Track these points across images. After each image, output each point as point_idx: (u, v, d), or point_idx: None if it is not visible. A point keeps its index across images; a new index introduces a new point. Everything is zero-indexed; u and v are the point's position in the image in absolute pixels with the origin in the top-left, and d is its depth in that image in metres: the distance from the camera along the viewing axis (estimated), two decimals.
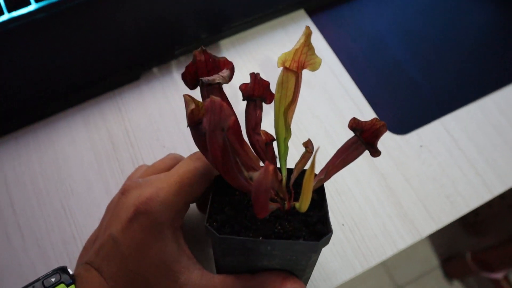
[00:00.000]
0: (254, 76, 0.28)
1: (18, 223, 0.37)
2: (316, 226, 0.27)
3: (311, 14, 0.47)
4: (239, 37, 0.46)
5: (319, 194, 0.29)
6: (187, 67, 0.28)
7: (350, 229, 0.37)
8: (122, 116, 0.42)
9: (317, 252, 0.27)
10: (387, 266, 1.20)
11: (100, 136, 0.41)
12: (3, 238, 0.36)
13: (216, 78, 0.26)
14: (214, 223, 0.27)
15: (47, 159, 0.40)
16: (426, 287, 1.18)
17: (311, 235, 0.27)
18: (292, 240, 0.26)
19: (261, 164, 0.29)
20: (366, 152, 0.27)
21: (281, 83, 0.27)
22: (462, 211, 0.38)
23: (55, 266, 0.35)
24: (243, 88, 0.29)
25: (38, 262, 0.35)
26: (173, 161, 0.33)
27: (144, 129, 0.41)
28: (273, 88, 0.28)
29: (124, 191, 0.29)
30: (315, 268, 0.35)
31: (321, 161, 0.39)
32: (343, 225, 0.37)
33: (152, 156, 0.40)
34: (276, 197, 0.27)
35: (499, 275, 1.06)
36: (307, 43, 0.26)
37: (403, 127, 0.42)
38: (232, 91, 0.41)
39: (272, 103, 0.29)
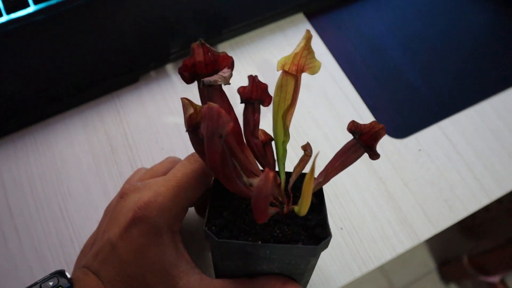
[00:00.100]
0: (252, 79, 0.28)
1: (15, 225, 0.37)
2: (315, 230, 0.27)
3: (310, 17, 0.47)
4: (238, 40, 0.46)
5: (318, 198, 0.28)
6: (184, 61, 0.27)
7: (349, 232, 0.37)
8: (120, 118, 0.42)
9: (316, 256, 0.27)
10: (384, 269, 1.20)
11: (99, 139, 0.41)
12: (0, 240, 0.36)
13: (218, 79, 0.25)
14: (213, 227, 0.27)
15: (45, 161, 0.39)
16: None
17: (310, 239, 0.27)
18: (291, 244, 0.26)
19: (260, 167, 0.29)
20: (365, 156, 0.27)
21: (280, 86, 0.27)
22: (460, 215, 0.38)
23: (53, 269, 0.35)
24: (241, 91, 0.28)
25: (35, 265, 0.35)
26: (172, 165, 0.33)
27: (143, 132, 0.41)
28: (271, 90, 0.28)
29: (122, 195, 0.29)
30: (314, 272, 0.35)
31: (319, 164, 0.39)
32: (341, 228, 0.37)
33: (150, 158, 0.40)
34: (274, 201, 0.27)
35: (495, 279, 1.06)
36: (307, 47, 0.26)
37: (401, 131, 0.42)
38: (229, 93, 0.41)
39: (270, 106, 0.29)
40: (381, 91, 0.44)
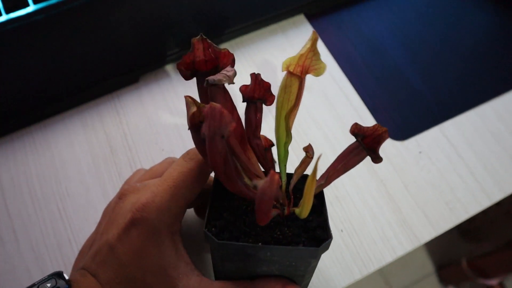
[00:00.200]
0: (255, 77, 0.28)
1: (13, 226, 0.36)
2: (315, 232, 0.27)
3: (311, 18, 0.47)
4: (239, 41, 0.46)
5: (319, 200, 0.28)
6: (184, 57, 0.26)
7: (349, 235, 0.37)
8: (120, 119, 0.41)
9: (317, 258, 0.26)
10: (383, 272, 1.20)
11: (98, 139, 0.40)
12: None
13: (222, 78, 0.25)
14: (213, 229, 0.27)
15: (44, 161, 0.39)
16: None
17: (311, 241, 0.26)
18: (292, 246, 0.26)
19: (261, 168, 0.29)
20: (366, 158, 0.27)
21: (284, 87, 0.27)
22: (461, 218, 0.38)
23: (50, 270, 0.35)
24: (243, 89, 0.28)
25: (33, 267, 0.35)
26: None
27: (143, 132, 0.41)
28: (273, 90, 0.28)
29: (121, 196, 0.29)
30: (314, 274, 0.34)
31: (320, 166, 0.38)
32: (342, 231, 0.37)
33: (150, 159, 0.40)
34: (276, 203, 0.27)
35: (494, 282, 1.06)
36: (312, 48, 0.26)
37: (402, 133, 0.42)
38: (230, 92, 0.41)
39: (271, 107, 0.28)
40: (382, 92, 0.44)
